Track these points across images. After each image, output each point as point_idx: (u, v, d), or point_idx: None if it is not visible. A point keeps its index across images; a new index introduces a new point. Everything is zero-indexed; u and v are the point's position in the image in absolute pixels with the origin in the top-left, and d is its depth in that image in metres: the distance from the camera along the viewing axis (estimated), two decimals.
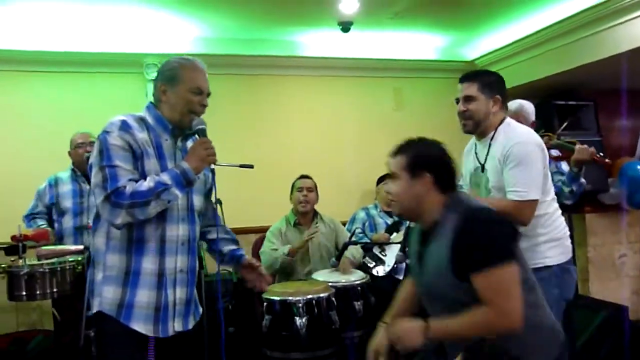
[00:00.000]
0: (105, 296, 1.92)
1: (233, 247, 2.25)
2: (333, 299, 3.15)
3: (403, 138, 5.40)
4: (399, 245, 3.74)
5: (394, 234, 4.02)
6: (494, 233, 1.68)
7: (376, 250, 3.99)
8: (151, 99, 2.09)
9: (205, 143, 2.00)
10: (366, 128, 4.98)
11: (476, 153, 2.46)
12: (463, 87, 2.38)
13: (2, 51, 4.02)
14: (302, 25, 4.41)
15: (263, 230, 3.91)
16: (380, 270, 3.88)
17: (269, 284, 2.30)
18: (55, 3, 3.62)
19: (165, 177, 1.91)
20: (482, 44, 4.92)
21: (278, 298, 3.09)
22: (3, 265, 3.16)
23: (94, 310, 1.94)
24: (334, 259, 3.40)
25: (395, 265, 3.88)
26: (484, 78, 2.38)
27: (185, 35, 4.41)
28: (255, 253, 3.85)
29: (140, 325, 1.92)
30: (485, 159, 2.38)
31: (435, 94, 5.06)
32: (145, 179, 1.91)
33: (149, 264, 1.95)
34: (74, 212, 3.45)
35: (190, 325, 2.07)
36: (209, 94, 2.08)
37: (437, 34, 4.75)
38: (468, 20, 4.43)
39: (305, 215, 3.88)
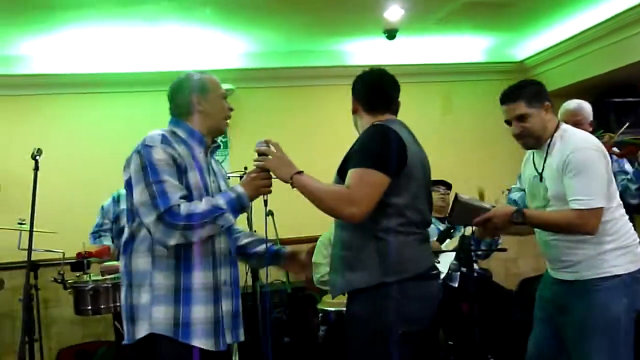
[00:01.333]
0: (156, 317, 1.84)
1: (267, 245, 2.15)
2: None
3: (452, 143, 5.36)
4: (452, 253, 3.69)
5: (447, 240, 3.96)
6: None
7: None
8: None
9: (263, 174, 1.97)
10: (415, 134, 4.93)
11: (534, 162, 2.39)
12: (509, 107, 2.27)
13: (75, 75, 4.25)
14: (346, 35, 4.44)
15: (315, 240, 3.94)
16: None
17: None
18: (111, 28, 3.78)
19: (221, 201, 1.87)
20: (531, 43, 4.81)
21: (333, 309, 3.09)
22: (70, 282, 3.31)
23: (141, 334, 1.84)
24: None
25: (449, 272, 3.83)
26: (527, 91, 2.27)
27: (231, 51, 4.52)
28: None
29: (202, 341, 1.87)
30: (543, 168, 2.31)
31: (484, 97, 4.97)
32: (190, 193, 1.88)
33: (200, 279, 1.90)
34: None
35: (242, 337, 2.04)
36: None
37: (483, 35, 4.68)
38: (515, 20, 4.34)
39: None
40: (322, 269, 3.73)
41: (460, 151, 4.95)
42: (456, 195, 2.30)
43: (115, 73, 4.27)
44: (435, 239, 4.10)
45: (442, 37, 4.57)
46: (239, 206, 1.91)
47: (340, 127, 4.84)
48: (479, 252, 4.01)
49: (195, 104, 2.02)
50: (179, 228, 1.79)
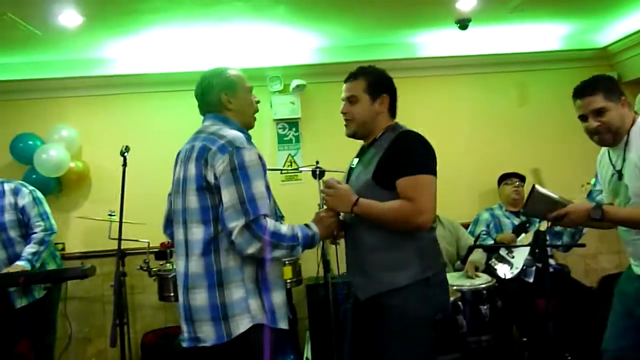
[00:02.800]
0: (254, 309, 1.92)
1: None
2: (459, 303, 3.12)
3: (527, 134, 5.21)
4: (527, 248, 3.61)
5: (522, 234, 3.87)
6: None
7: (503, 252, 3.87)
8: (219, 111, 2.08)
9: (333, 213, 2.10)
10: (487, 126, 4.83)
11: (610, 159, 2.30)
12: (585, 101, 2.17)
13: (158, 75, 4.47)
14: (418, 27, 4.40)
15: None
16: (507, 273, 3.76)
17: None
18: (190, 28, 3.95)
19: (300, 234, 1.95)
20: (615, 28, 4.56)
21: None
22: (154, 269, 3.53)
23: (242, 328, 1.89)
24: (459, 262, 3.37)
25: (524, 267, 3.75)
26: (604, 84, 2.17)
27: (303, 47, 4.59)
28: None
29: (283, 324, 2.00)
30: (622, 166, 2.21)
31: (563, 86, 4.68)
32: (269, 192, 1.96)
33: (275, 268, 2.02)
34: None
35: None
36: None
37: (560, 22, 4.49)
38: (598, 4, 4.13)
39: None
40: None
41: (536, 143, 4.80)
42: (534, 186, 2.26)
43: (195, 72, 4.42)
44: (510, 232, 4.03)
45: (516, 25, 4.43)
46: (310, 244, 2.01)
47: (413, 119, 4.81)
48: (558, 246, 3.89)
49: (225, 102, 2.07)
50: (262, 241, 1.84)
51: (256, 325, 1.91)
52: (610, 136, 2.19)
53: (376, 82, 2.23)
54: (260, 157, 1.95)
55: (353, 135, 2.24)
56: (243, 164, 1.88)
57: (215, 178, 1.89)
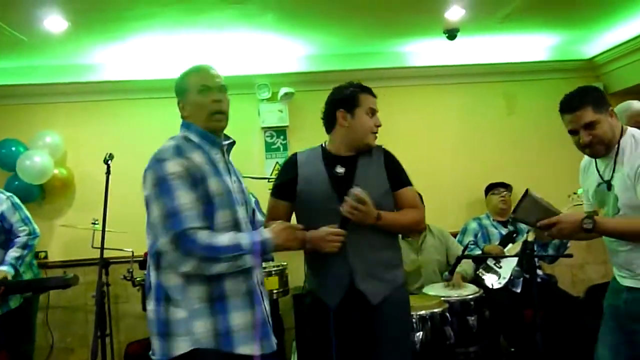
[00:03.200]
0: (197, 332, 1.77)
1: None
2: (447, 314, 3.10)
3: (514, 144, 5.21)
4: (515, 258, 3.60)
5: (509, 245, 3.87)
6: None
7: (490, 262, 3.86)
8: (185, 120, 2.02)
9: (295, 230, 1.98)
10: (475, 135, 4.84)
11: (597, 169, 2.29)
12: (575, 115, 2.14)
13: (144, 81, 4.42)
14: (406, 36, 4.40)
15: None
16: (495, 283, 3.75)
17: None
18: (177, 35, 3.93)
19: (244, 241, 1.80)
20: (602, 40, 4.60)
21: (424, 312, 3.08)
22: (138, 279, 3.48)
23: (182, 350, 1.77)
24: (446, 273, 3.34)
25: (511, 277, 3.74)
26: (591, 96, 2.15)
27: (292, 55, 4.58)
28: None
29: (245, 348, 1.81)
30: (612, 176, 2.20)
31: (550, 96, 4.72)
32: (211, 202, 1.80)
33: (236, 285, 1.84)
34: None
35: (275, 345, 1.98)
36: (222, 89, 1.98)
37: (548, 33, 4.52)
38: (586, 16, 4.16)
39: None
40: None
41: (523, 152, 4.82)
42: (527, 191, 2.24)
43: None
44: (497, 243, 4.03)
45: (505, 36, 4.46)
46: (262, 251, 1.83)
47: (401, 128, 4.85)
48: (544, 257, 3.89)
49: (182, 110, 2.02)
50: (196, 257, 1.72)
51: (198, 350, 1.77)
52: (602, 148, 2.17)
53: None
54: (189, 167, 1.81)
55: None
56: (164, 177, 1.78)
57: (147, 197, 1.83)
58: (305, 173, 2.35)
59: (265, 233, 1.87)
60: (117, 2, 3.31)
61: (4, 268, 3.29)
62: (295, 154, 2.48)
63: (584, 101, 2.14)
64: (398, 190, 2.33)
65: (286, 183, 2.37)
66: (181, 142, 1.90)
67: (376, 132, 2.41)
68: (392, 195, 2.32)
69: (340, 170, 2.31)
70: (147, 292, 1.87)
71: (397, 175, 2.35)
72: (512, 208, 4.46)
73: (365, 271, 2.21)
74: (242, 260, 1.79)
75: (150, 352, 1.87)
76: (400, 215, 2.31)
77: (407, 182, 2.36)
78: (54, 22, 3.48)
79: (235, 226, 1.88)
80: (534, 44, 4.73)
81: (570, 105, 2.17)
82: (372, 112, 2.41)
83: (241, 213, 1.93)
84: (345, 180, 2.27)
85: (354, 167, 2.32)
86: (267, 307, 1.98)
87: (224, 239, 1.78)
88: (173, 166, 1.79)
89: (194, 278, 1.79)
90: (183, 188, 1.77)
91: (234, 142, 2.07)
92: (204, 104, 1.95)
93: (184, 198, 1.76)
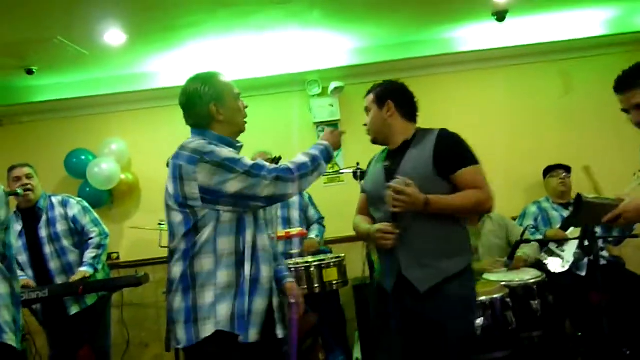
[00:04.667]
0: (220, 314, 1.89)
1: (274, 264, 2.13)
2: (508, 299, 3.08)
3: (572, 124, 5.05)
4: (577, 241, 3.52)
5: (571, 228, 3.78)
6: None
7: (552, 246, 3.79)
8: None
9: (336, 133, 2.21)
10: (530, 117, 4.74)
11: None
12: (624, 97, 2.09)
13: None
14: (454, 22, 4.35)
15: None
16: (557, 267, 3.68)
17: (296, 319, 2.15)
18: (225, 39, 4.05)
19: (315, 152, 2.04)
20: None
21: None
22: None
23: (207, 333, 1.88)
24: (506, 259, 3.32)
25: (575, 261, 3.66)
26: None
27: (340, 49, 4.61)
28: None
29: (255, 332, 1.92)
30: None
31: (609, 72, 4.50)
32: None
33: (266, 272, 1.98)
34: None
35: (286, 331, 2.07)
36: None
37: (603, 7, 4.35)
38: None
39: None
40: None
41: (582, 133, 4.68)
42: (579, 197, 2.17)
43: (235, 80, 4.45)
44: (558, 226, 3.94)
45: (556, 13, 4.32)
46: (328, 157, 2.07)
47: (454, 114, 4.80)
48: (610, 239, 3.78)
49: (214, 114, 2.02)
50: (296, 179, 1.95)
51: (221, 332, 1.88)
52: None
53: (381, 92, 2.43)
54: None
55: (374, 141, 2.47)
56: (222, 157, 1.92)
57: (204, 187, 1.90)
58: (370, 170, 2.54)
59: (320, 141, 2.13)
60: (169, 12, 3.46)
61: (84, 268, 3.52)
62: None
63: (634, 82, 2.07)
64: (453, 173, 2.23)
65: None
66: (212, 143, 1.99)
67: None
68: (447, 180, 2.24)
69: (386, 163, 2.38)
70: (171, 285, 1.98)
71: (449, 158, 2.25)
72: (572, 191, 4.35)
73: (410, 259, 2.23)
74: (321, 167, 2.04)
75: (174, 342, 1.98)
76: (456, 198, 2.21)
77: (465, 163, 2.25)
78: (114, 35, 3.68)
79: (258, 219, 2.03)
80: (588, 19, 4.56)
81: (620, 85, 2.12)
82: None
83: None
84: (394, 171, 2.30)
85: (402, 158, 2.35)
86: (277, 301, 2.06)
87: (301, 157, 2.02)
88: (225, 152, 1.94)
89: (224, 264, 1.92)
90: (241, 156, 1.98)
91: (242, 145, 2.15)
92: (240, 109, 2.11)
93: (247, 159, 1.97)
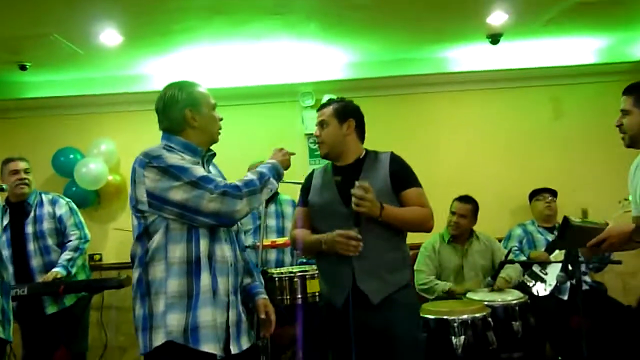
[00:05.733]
0: (170, 324, 1.85)
1: (248, 280, 2.15)
2: (489, 319, 3.08)
3: (559, 149, 5.08)
4: (560, 264, 3.55)
5: (555, 251, 3.80)
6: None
7: (536, 269, 3.80)
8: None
9: (284, 152, 2.19)
10: (520, 140, 4.78)
11: None
12: (621, 99, 2.30)
13: None
14: (449, 42, 4.40)
15: (417, 246, 3.94)
16: (540, 290, 3.70)
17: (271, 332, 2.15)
18: (220, 46, 4.07)
19: (263, 170, 2.04)
20: None
21: (433, 316, 3.10)
22: None
23: (159, 342, 1.85)
24: (489, 279, 3.33)
25: (558, 285, 3.68)
26: (638, 91, 2.25)
27: (335, 62, 4.65)
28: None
29: (210, 346, 1.87)
30: None
31: (599, 99, 4.71)
32: None
33: (208, 284, 1.91)
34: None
35: (245, 346, 2.00)
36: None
37: (596, 35, 4.43)
38: (634, 17, 4.07)
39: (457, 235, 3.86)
40: (423, 275, 3.74)
41: (571, 157, 4.72)
42: (566, 219, 2.21)
43: (228, 88, 4.55)
44: (543, 249, 3.97)
45: (550, 39, 4.40)
46: (277, 174, 2.07)
47: (444, 134, 4.84)
48: (590, 265, 3.81)
49: (189, 120, 2.01)
50: (244, 196, 1.90)
51: (171, 343, 1.85)
52: (626, 137, 2.27)
53: (343, 109, 2.48)
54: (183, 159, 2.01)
55: (325, 155, 2.52)
56: (171, 164, 1.90)
57: (152, 192, 1.90)
58: (315, 184, 2.57)
59: (269, 160, 2.12)
60: (165, 17, 3.47)
61: (57, 269, 3.48)
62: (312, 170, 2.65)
63: (630, 91, 2.27)
64: (404, 190, 2.39)
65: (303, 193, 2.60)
66: (166, 148, 2.00)
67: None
68: (398, 197, 2.38)
69: (337, 178, 2.45)
70: (133, 292, 1.97)
71: (401, 177, 2.41)
72: (557, 215, 4.37)
73: (366, 271, 2.30)
74: (270, 183, 2.02)
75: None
76: (405, 211, 2.36)
77: (414, 184, 2.42)
78: (110, 36, 3.68)
79: (215, 230, 1.98)
80: (580, 47, 4.64)
81: (626, 89, 2.31)
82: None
83: None
84: (349, 185, 2.35)
85: (358, 172, 2.43)
86: (242, 309, 2.04)
87: (250, 175, 2.01)
88: (172, 157, 1.94)
89: (174, 273, 1.88)
90: (190, 164, 1.94)
91: (214, 154, 2.14)
92: (216, 119, 2.11)
93: (200, 169, 1.94)
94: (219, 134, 2.13)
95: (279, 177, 2.08)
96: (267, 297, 2.16)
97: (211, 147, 2.14)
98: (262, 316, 2.10)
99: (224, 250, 1.97)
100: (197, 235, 1.92)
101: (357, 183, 2.25)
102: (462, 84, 4.83)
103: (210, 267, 1.92)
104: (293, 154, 2.25)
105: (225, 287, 1.95)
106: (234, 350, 1.94)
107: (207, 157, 2.10)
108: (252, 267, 2.19)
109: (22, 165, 3.56)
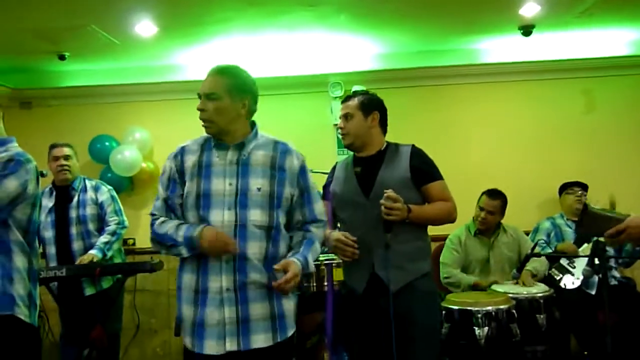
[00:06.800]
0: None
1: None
2: (513, 311, 3.10)
3: (591, 142, 5.03)
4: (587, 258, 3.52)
5: (584, 244, 3.78)
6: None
7: (564, 262, 3.79)
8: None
9: (221, 239, 1.95)
10: (550, 133, 4.73)
11: None
12: None
13: None
14: (480, 33, 4.38)
15: (442, 238, 3.96)
16: (568, 283, 3.68)
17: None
18: (253, 37, 4.13)
19: (180, 233, 1.99)
20: None
21: (457, 307, 3.13)
22: None
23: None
24: (514, 271, 3.34)
25: (584, 278, 3.66)
26: None
27: (365, 53, 4.67)
28: (435, 261, 3.91)
29: (188, 340, 2.00)
30: None
31: (632, 92, 4.64)
32: (186, 200, 2.04)
33: (188, 281, 2.01)
34: None
35: (257, 344, 1.96)
36: (207, 96, 2.07)
37: (630, 27, 4.34)
38: None
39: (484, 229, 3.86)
40: (449, 269, 3.76)
41: (602, 152, 4.65)
42: (585, 206, 2.24)
43: (260, 78, 4.54)
44: (572, 242, 3.94)
45: (583, 31, 4.33)
46: (191, 247, 1.97)
47: (475, 126, 4.82)
48: (620, 260, 3.78)
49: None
50: (152, 234, 2.08)
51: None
52: None
53: (368, 102, 2.54)
54: (173, 169, 2.13)
55: (348, 145, 2.57)
56: (163, 169, 2.19)
57: None
58: (338, 175, 2.64)
59: (197, 231, 1.97)
60: (199, 8, 3.55)
61: (94, 251, 3.61)
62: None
63: None
64: (426, 184, 2.45)
65: (326, 185, 2.67)
66: (197, 141, 2.15)
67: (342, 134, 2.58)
68: (419, 191, 2.45)
69: (357, 169, 2.52)
70: None
71: (424, 171, 2.46)
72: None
73: (387, 260, 2.36)
74: (175, 250, 2.01)
75: None
76: (429, 209, 2.44)
77: (436, 177, 2.48)
78: (145, 27, 3.78)
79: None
80: (614, 39, 4.55)
81: None
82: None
83: (216, 216, 2.00)
84: (368, 175, 2.47)
85: (379, 164, 2.49)
86: (240, 311, 1.97)
87: (167, 227, 2.04)
88: (166, 166, 2.13)
89: (184, 268, 2.06)
90: (165, 185, 2.11)
91: (242, 143, 2.08)
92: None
93: (161, 195, 2.12)
94: (206, 126, 2.12)
95: (193, 250, 1.98)
96: (297, 261, 2.02)
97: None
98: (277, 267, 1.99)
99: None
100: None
101: (385, 193, 2.32)
102: (492, 76, 4.79)
103: (197, 264, 2.02)
104: (236, 250, 1.97)
105: (217, 285, 1.97)
106: (231, 346, 1.94)
107: (234, 150, 2.07)
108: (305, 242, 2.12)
109: (63, 151, 3.69)
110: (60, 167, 3.65)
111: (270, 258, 2.02)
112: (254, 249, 1.99)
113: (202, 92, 2.11)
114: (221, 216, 1.99)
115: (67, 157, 3.69)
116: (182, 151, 2.13)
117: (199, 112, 2.10)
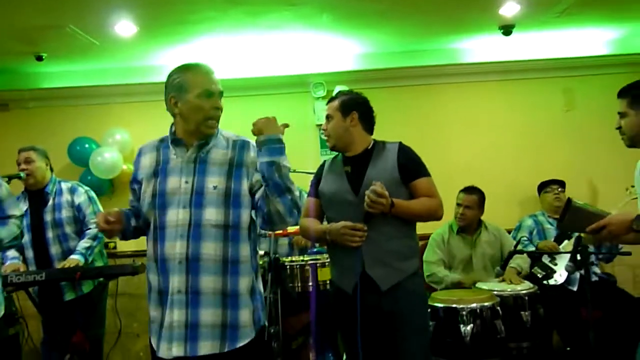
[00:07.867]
0: None
1: None
2: (498, 308, 3.12)
3: (570, 140, 5.08)
4: (569, 254, 3.56)
5: (565, 241, 3.82)
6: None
7: (546, 260, 3.82)
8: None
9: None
10: (530, 132, 4.78)
11: None
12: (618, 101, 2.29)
13: None
14: (461, 33, 4.41)
15: (426, 237, 3.97)
16: (550, 280, 3.72)
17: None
18: (236, 37, 4.10)
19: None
20: None
21: (442, 305, 3.14)
22: None
23: None
24: (498, 268, 3.35)
25: (568, 275, 3.70)
26: (633, 91, 2.25)
27: (347, 53, 4.67)
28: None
29: (152, 340, 1.97)
30: None
31: (611, 91, 4.59)
32: (143, 202, 2.01)
33: (152, 281, 1.98)
34: None
35: (203, 351, 1.86)
36: (221, 95, 1.98)
37: (609, 27, 4.41)
38: None
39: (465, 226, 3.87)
40: (432, 267, 3.77)
41: (583, 149, 4.72)
42: (569, 200, 2.26)
43: (242, 78, 4.59)
44: (552, 239, 3.98)
45: (562, 30, 4.38)
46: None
47: (456, 125, 4.85)
48: (599, 256, 3.82)
49: (172, 106, 1.96)
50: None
51: None
52: (625, 139, 2.30)
53: (347, 102, 2.54)
54: (135, 174, 2.13)
55: (333, 147, 2.59)
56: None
57: None
58: (325, 174, 2.63)
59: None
60: (181, 7, 3.51)
61: (76, 257, 3.54)
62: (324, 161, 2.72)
63: (623, 93, 2.27)
64: (413, 180, 2.45)
65: (314, 183, 2.66)
66: (154, 142, 2.10)
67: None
68: (407, 187, 2.45)
69: (347, 168, 2.52)
70: None
71: (410, 168, 2.46)
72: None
73: (376, 259, 2.38)
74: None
75: None
76: (413, 204, 2.43)
77: (423, 173, 2.48)
78: (124, 27, 3.73)
79: (155, 227, 1.97)
80: (593, 38, 4.62)
81: (620, 92, 2.31)
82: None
83: (171, 215, 1.94)
84: (358, 174, 2.47)
85: (367, 162, 2.49)
86: (189, 315, 1.89)
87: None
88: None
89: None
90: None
91: (205, 144, 2.00)
92: (202, 108, 1.95)
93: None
94: (209, 124, 1.96)
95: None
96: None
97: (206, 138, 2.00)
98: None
99: (175, 247, 1.91)
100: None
101: (372, 185, 2.31)
102: (474, 75, 4.84)
103: (154, 263, 1.96)
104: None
105: (173, 286, 1.90)
106: (176, 352, 1.86)
107: (195, 149, 1.98)
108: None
109: (23, 155, 3.58)
110: (21, 171, 3.56)
111: (230, 261, 1.92)
112: (209, 249, 1.90)
113: (217, 91, 2.00)
114: (175, 215, 1.92)
115: (27, 161, 3.57)
116: (139, 152, 2.12)
117: (212, 111, 1.98)
